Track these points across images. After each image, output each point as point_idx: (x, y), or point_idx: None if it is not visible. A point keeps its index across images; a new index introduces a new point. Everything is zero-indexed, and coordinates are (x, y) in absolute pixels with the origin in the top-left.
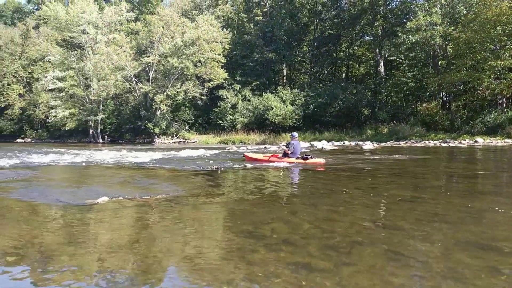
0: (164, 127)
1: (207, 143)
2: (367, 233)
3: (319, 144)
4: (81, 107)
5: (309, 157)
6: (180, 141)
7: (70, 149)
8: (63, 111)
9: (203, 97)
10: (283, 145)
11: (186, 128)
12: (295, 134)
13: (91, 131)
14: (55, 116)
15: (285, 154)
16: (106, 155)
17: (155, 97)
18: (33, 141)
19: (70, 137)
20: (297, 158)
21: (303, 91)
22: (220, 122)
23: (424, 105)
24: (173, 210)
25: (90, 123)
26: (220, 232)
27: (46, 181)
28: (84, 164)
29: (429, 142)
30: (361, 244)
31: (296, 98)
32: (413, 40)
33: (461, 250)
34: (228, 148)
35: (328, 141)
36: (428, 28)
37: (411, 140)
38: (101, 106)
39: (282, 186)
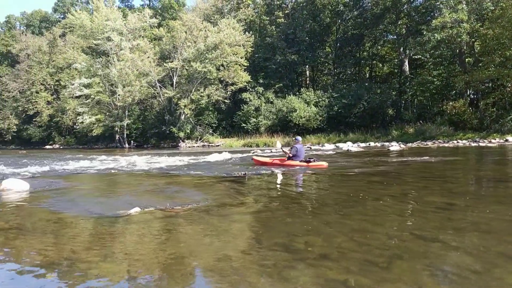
0: (189, 131)
1: (231, 146)
2: (405, 245)
3: (344, 146)
4: (107, 113)
5: (312, 160)
6: (204, 145)
7: (97, 155)
8: (89, 117)
9: (226, 101)
10: (286, 149)
11: (210, 131)
12: (299, 138)
13: (117, 136)
14: (82, 122)
15: (290, 157)
16: (133, 161)
17: (179, 102)
18: (61, 147)
19: (97, 143)
20: (301, 161)
21: (327, 92)
22: (243, 125)
23: (451, 103)
24: (204, 222)
25: (116, 128)
26: (253, 246)
27: (77, 190)
28: (113, 171)
29: (458, 142)
30: (400, 258)
31: (320, 99)
32: (439, 38)
33: (507, 264)
34: (252, 151)
35: (353, 142)
36: (454, 26)
37: (439, 140)
38: (126, 111)
39: (311, 193)
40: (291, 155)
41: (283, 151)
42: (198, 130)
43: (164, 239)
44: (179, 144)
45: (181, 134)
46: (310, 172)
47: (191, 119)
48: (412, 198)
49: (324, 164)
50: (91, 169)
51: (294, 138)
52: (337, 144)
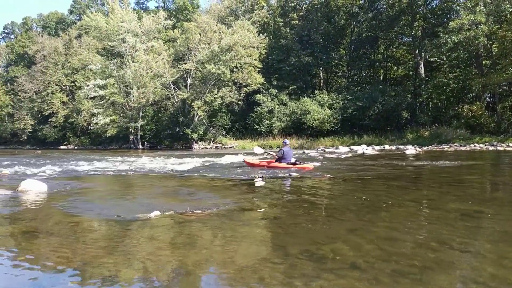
0: (202, 133)
1: (244, 148)
2: (435, 255)
3: (359, 149)
4: (122, 114)
5: (298, 162)
6: (217, 146)
7: (112, 156)
8: (104, 118)
9: (239, 102)
10: (272, 151)
11: (223, 133)
12: (286, 141)
13: (131, 137)
14: (96, 123)
15: (278, 159)
16: (148, 162)
17: (192, 103)
18: (75, 147)
19: (111, 143)
20: (288, 163)
21: (341, 94)
22: (257, 127)
23: (467, 106)
24: (224, 227)
25: (130, 129)
26: (278, 254)
27: (94, 192)
28: (128, 172)
29: (475, 146)
30: (431, 269)
31: (334, 101)
32: (456, 40)
33: None
34: (265, 153)
35: (368, 145)
36: (472, 28)
37: (455, 144)
38: (140, 113)
39: (331, 198)
40: (277, 157)
41: (270, 154)
42: (211, 132)
43: (184, 244)
44: (193, 146)
45: (195, 136)
46: (329, 175)
47: (204, 120)
48: (436, 204)
49: (310, 166)
50: (106, 170)
51: (282, 142)
52: (352, 147)
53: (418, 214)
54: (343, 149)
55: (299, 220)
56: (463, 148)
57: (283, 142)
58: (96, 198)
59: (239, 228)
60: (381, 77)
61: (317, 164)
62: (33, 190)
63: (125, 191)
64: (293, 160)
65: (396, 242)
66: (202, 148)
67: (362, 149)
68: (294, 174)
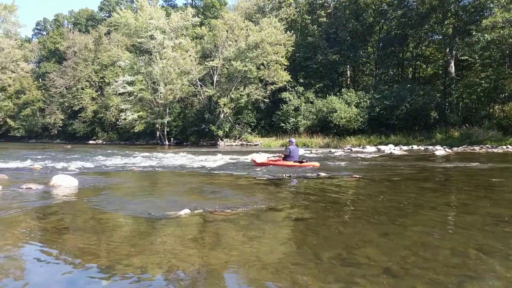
0: (227, 130)
1: (269, 146)
2: (474, 264)
3: (386, 149)
4: (149, 110)
5: (304, 160)
6: (242, 144)
7: (139, 151)
8: (132, 114)
9: (265, 100)
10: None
11: (249, 130)
12: (293, 140)
13: (158, 133)
14: (124, 119)
15: (285, 158)
16: (174, 158)
17: (218, 100)
18: (104, 142)
19: (138, 139)
20: (294, 161)
21: (368, 93)
22: (282, 124)
23: (499, 107)
24: (254, 227)
25: (157, 125)
26: (310, 257)
27: (124, 188)
28: (156, 169)
29: (507, 148)
30: (471, 278)
31: (361, 100)
32: (489, 39)
33: None
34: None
35: (395, 145)
36: (506, 26)
37: (486, 145)
38: (167, 109)
39: (361, 199)
40: (283, 155)
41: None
42: (237, 129)
43: (214, 244)
44: (218, 143)
45: (220, 133)
46: (358, 176)
47: (230, 117)
48: (471, 209)
49: (316, 164)
50: (134, 166)
51: (288, 140)
52: (379, 147)
53: (453, 218)
54: (370, 148)
55: (329, 222)
56: (495, 150)
57: (289, 141)
58: (125, 194)
59: (268, 229)
60: (410, 75)
61: (342, 164)
62: (64, 184)
63: (154, 188)
64: (300, 159)
65: (431, 248)
66: (228, 145)
67: (389, 149)
68: (322, 174)
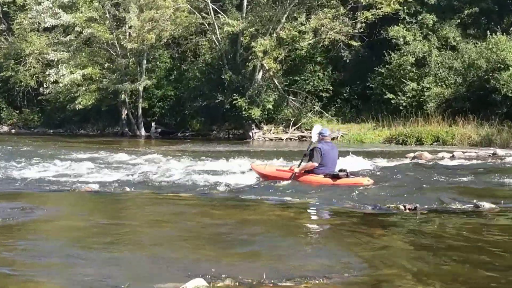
0: (271, 107)
1: (361, 141)
2: None
3: None
4: (107, 65)
5: (344, 174)
6: (302, 136)
7: (90, 150)
8: (70, 72)
9: (354, 44)
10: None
11: (316, 108)
12: (326, 130)
13: (124, 112)
14: (56, 82)
15: (309, 170)
16: (161, 167)
17: (252, 43)
18: (13, 130)
19: (83, 125)
20: (326, 175)
21: None
22: (389, 96)
23: None
24: None
25: (123, 96)
26: None
27: (62, 232)
28: (127, 189)
29: None
30: None
31: None
32: None
33: None
34: (411, 156)
35: None
36: None
37: None
38: (144, 63)
39: None
40: (316, 164)
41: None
42: (291, 105)
43: None
44: (251, 132)
45: (256, 112)
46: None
47: (277, 81)
48: None
49: (365, 181)
50: (81, 183)
51: (318, 132)
52: None
53: None
54: None
55: None
56: None
57: (320, 132)
58: (65, 246)
59: None
60: None
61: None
62: None
63: (126, 228)
64: (337, 170)
65: None
66: (271, 139)
67: None
68: (485, 206)
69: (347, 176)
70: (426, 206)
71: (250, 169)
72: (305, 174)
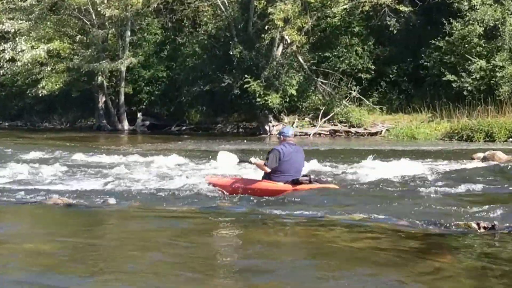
0: (294, 92)
1: (412, 136)
2: None
3: None
4: (78, 38)
5: (306, 180)
6: (336, 130)
7: (60, 148)
8: (33, 47)
9: (402, 8)
10: (254, 159)
11: (353, 94)
12: (288, 130)
13: (101, 100)
14: (13, 60)
15: (268, 174)
16: (153, 173)
17: (269, 9)
18: None
19: (47, 116)
20: (286, 182)
21: None
22: (449, 78)
23: None
24: None
25: (99, 79)
26: None
27: (30, 260)
28: (109, 201)
29: None
30: None
31: None
32: None
33: None
34: (479, 156)
35: None
36: None
37: None
38: (128, 34)
39: None
40: (268, 169)
41: (251, 163)
42: (321, 90)
43: None
44: (267, 126)
45: (274, 99)
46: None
47: (302, 58)
48: None
49: (333, 186)
50: (51, 192)
51: (278, 132)
52: None
53: None
54: None
55: None
56: None
57: (281, 132)
58: (35, 275)
59: None
60: None
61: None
62: None
63: (109, 257)
64: (301, 175)
65: None
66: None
67: None
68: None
69: (310, 182)
70: (507, 224)
71: (207, 182)
72: (264, 182)
